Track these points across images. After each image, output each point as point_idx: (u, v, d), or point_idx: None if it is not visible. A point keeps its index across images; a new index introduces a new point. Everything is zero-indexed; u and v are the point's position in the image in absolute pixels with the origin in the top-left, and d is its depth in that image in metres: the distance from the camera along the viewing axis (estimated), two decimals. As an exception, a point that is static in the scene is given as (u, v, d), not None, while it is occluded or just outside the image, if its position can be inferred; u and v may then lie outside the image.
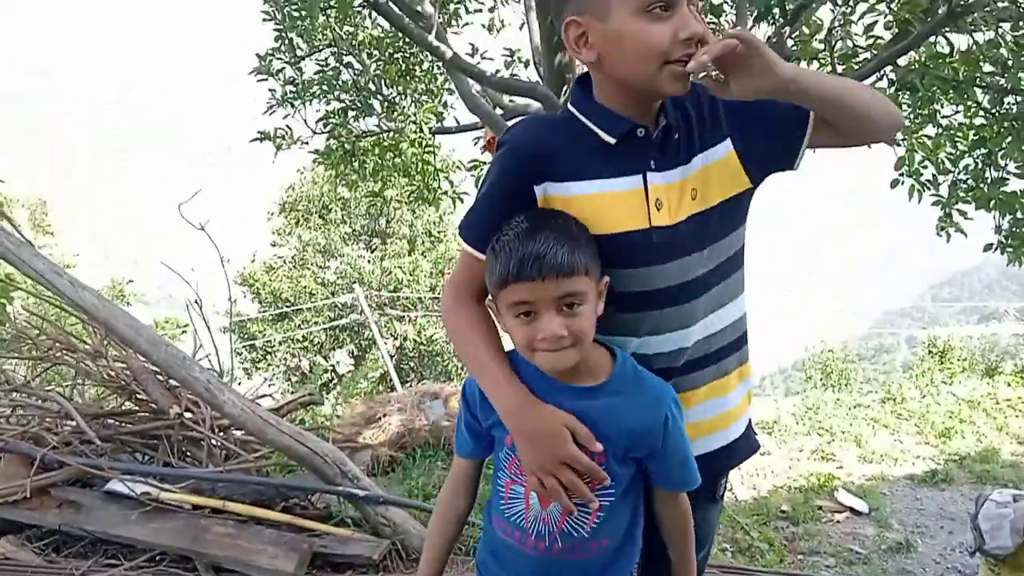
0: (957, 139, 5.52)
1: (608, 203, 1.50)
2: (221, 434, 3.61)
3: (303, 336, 18.13)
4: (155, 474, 3.35)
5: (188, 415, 3.64)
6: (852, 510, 6.94)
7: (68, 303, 3.12)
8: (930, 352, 14.67)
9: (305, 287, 18.10)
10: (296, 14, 6.13)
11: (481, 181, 1.64)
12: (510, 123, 4.32)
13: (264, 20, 6.44)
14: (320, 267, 19.11)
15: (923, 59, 4.55)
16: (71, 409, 3.32)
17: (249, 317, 18.69)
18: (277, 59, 7.05)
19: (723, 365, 1.67)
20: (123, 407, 3.77)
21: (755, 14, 3.54)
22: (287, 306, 18.20)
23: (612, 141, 1.51)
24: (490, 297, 1.52)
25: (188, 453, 3.66)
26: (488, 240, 1.51)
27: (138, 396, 3.68)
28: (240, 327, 18.43)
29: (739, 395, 1.73)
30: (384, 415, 7.20)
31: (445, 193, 8.18)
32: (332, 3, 4.00)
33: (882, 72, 4.64)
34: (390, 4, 5.02)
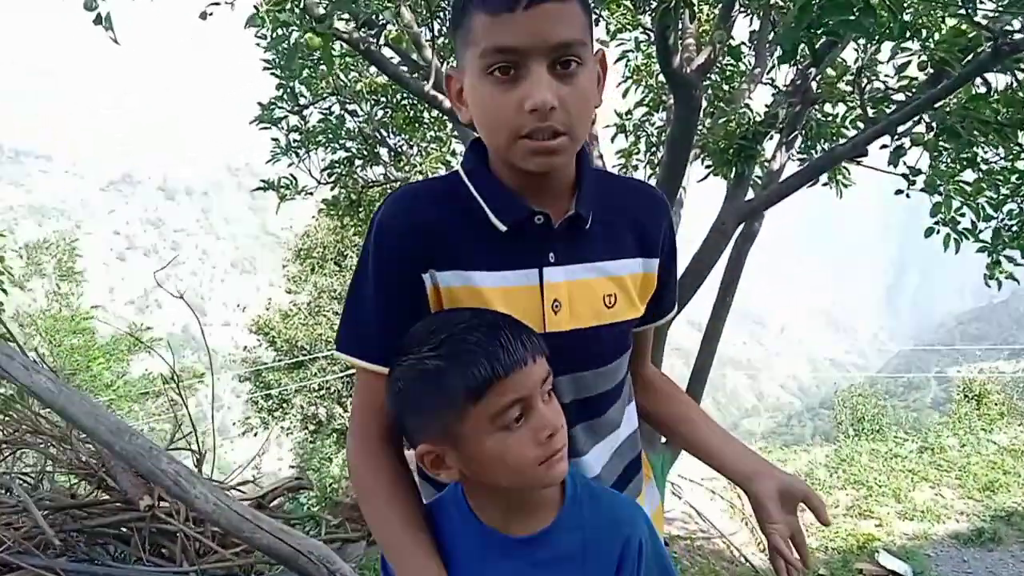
0: (998, 183, 5.16)
1: (499, 300, 1.22)
2: (198, 528, 3.28)
3: (319, 384, 17.86)
4: (119, 576, 3.02)
5: (164, 504, 3.32)
6: (894, 574, 6.55)
7: (23, 389, 2.83)
8: (966, 396, 14.17)
9: (321, 335, 17.88)
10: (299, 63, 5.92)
11: (352, 278, 1.30)
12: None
13: (264, 69, 6.22)
14: (336, 314, 18.91)
15: (962, 101, 4.21)
16: (30, 503, 3.01)
17: (266, 365, 18.50)
18: (280, 108, 6.82)
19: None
20: (93, 496, 3.45)
21: (779, 55, 3.24)
22: (303, 354, 17.97)
23: (503, 229, 1.22)
24: (426, 447, 1.16)
25: (163, 548, 3.33)
26: (386, 348, 1.21)
27: (108, 484, 3.37)
28: (256, 376, 18.27)
29: None
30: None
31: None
32: (317, 57, 3.74)
33: (919, 117, 4.30)
34: (382, 52, 4.77)
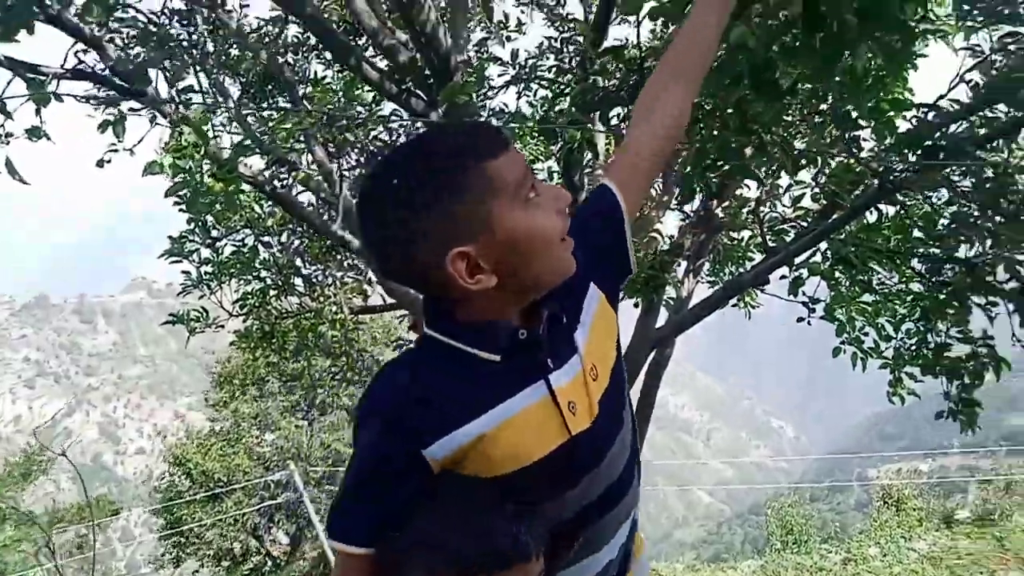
0: (895, 304, 5.37)
1: (518, 428, 1.22)
2: None
3: (235, 518, 17.00)
4: None
5: None
6: None
7: None
8: (885, 502, 14.31)
9: (238, 465, 17.15)
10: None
11: (349, 462, 1.26)
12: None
13: (175, 205, 6.15)
14: (255, 440, 18.23)
15: (855, 231, 4.41)
16: None
17: (180, 500, 17.60)
18: (191, 241, 6.72)
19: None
20: None
21: (680, 194, 3.38)
22: (220, 485, 17.17)
23: (496, 358, 1.23)
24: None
25: None
26: (376, 534, 1.19)
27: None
28: (167, 511, 17.38)
29: None
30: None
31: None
32: (221, 200, 3.74)
33: (815, 247, 4.48)
34: (292, 191, 4.79)
